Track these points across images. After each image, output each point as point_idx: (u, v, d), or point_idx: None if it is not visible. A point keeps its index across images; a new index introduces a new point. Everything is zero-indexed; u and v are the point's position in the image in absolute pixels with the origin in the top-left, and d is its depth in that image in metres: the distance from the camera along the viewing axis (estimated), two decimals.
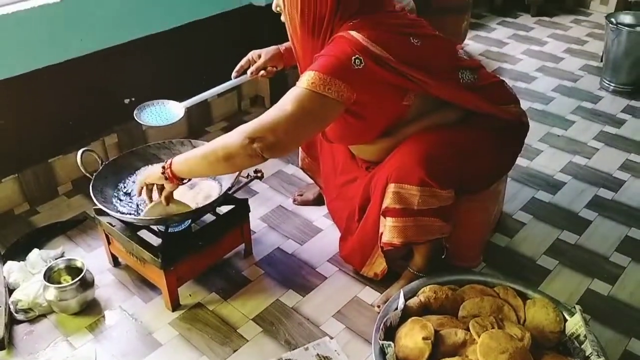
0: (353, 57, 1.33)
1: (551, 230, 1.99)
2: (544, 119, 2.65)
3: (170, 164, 1.45)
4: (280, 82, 2.54)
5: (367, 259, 1.73)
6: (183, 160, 1.44)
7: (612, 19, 2.86)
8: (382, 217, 1.52)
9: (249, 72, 1.77)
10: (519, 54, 3.34)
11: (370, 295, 1.72)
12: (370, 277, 1.75)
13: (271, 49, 1.79)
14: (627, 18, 2.92)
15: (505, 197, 2.04)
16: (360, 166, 1.73)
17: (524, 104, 1.90)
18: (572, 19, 3.83)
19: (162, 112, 1.75)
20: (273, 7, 1.53)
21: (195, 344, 1.56)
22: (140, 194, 1.57)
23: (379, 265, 1.71)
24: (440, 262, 1.68)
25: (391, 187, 1.45)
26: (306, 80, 1.33)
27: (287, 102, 1.35)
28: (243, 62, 1.79)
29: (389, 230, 1.49)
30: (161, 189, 1.52)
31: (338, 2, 1.36)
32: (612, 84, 2.92)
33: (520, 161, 2.28)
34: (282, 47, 1.80)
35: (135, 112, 1.72)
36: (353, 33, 1.36)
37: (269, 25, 2.58)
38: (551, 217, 2.05)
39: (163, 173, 1.46)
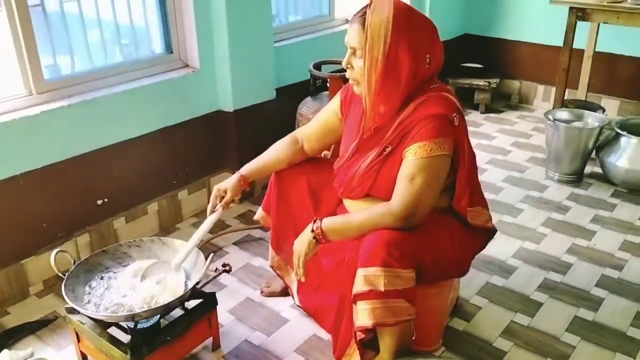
0: (453, 115, 1.59)
1: (505, 313, 2.11)
2: (496, 208, 2.84)
3: (322, 229, 1.63)
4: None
5: (346, 347, 1.80)
6: (337, 228, 1.64)
7: (550, 116, 3.15)
8: (354, 305, 1.61)
9: (220, 208, 1.89)
10: None
11: None
12: None
13: (233, 182, 1.90)
14: (564, 114, 3.23)
15: (461, 283, 2.17)
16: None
17: None
18: (518, 115, 4.17)
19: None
20: (343, 64, 1.66)
21: None
22: (303, 269, 1.70)
23: (355, 357, 1.79)
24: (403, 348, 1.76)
25: (360, 272, 1.56)
26: (422, 150, 1.56)
27: (414, 175, 1.57)
28: (212, 199, 1.89)
29: (361, 314, 1.57)
30: None
31: (415, 72, 1.57)
32: (556, 174, 3.16)
33: None
34: (243, 172, 1.93)
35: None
36: (447, 95, 1.62)
37: (236, 129, 2.78)
38: (505, 300, 2.18)
39: (315, 237, 1.64)
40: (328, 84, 2.68)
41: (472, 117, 4.13)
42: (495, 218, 2.74)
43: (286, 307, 2.13)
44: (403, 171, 1.59)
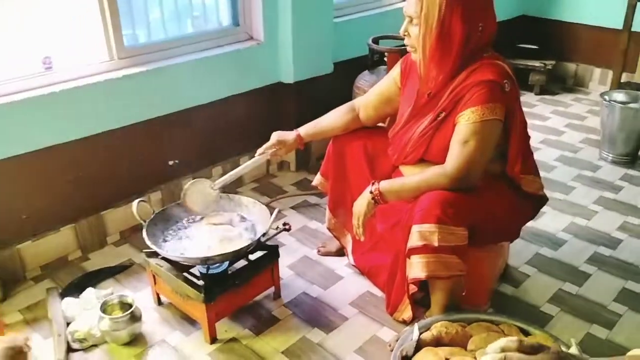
0: (504, 82, 1.66)
1: (554, 282, 2.17)
2: (547, 185, 2.81)
3: (380, 190, 1.75)
4: (304, 150, 2.87)
5: (399, 304, 1.93)
6: (394, 189, 1.76)
7: (606, 97, 3.15)
8: (407, 259, 1.73)
9: (270, 155, 2.04)
10: None
11: (387, 335, 1.90)
12: (400, 322, 1.93)
13: (290, 138, 2.06)
14: (620, 96, 3.21)
15: (511, 252, 2.25)
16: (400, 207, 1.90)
17: None
18: (573, 97, 4.15)
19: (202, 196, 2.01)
20: (401, 31, 1.76)
21: None
22: (363, 228, 1.83)
23: (407, 312, 1.91)
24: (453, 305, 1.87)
25: (414, 228, 1.67)
26: (474, 115, 1.65)
27: (467, 139, 1.65)
28: (268, 144, 2.05)
29: (414, 267, 1.69)
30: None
31: (467, 40, 1.65)
32: (610, 155, 3.17)
33: None
34: (301, 131, 2.08)
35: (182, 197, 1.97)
36: (499, 62, 1.70)
37: (294, 101, 2.91)
38: (554, 270, 2.24)
39: (373, 198, 1.76)
40: (385, 58, 2.77)
41: (526, 98, 4.13)
42: (547, 194, 2.78)
43: (341, 265, 2.26)
44: (456, 135, 1.68)
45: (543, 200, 1.97)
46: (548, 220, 2.58)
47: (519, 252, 2.34)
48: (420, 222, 1.65)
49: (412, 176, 1.77)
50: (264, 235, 1.91)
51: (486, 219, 1.73)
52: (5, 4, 2.08)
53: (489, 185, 1.77)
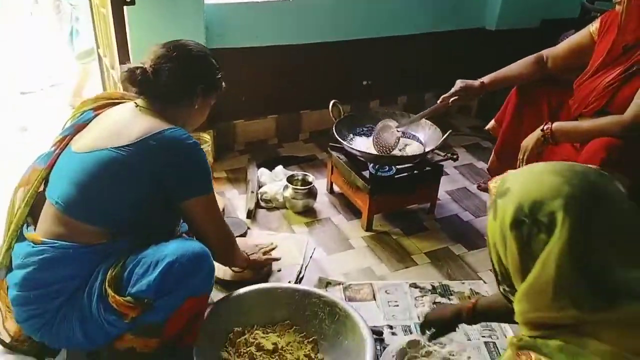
0: None
1: None
2: None
3: (551, 129, 1.82)
4: (488, 98, 2.97)
5: None
6: (565, 130, 1.82)
7: None
8: None
9: (451, 102, 2.15)
10: None
11: None
12: None
13: (475, 84, 2.14)
14: None
15: None
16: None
17: None
18: None
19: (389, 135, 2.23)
20: None
21: (378, 255, 2.05)
22: (526, 162, 1.89)
23: None
24: None
25: None
26: None
27: None
28: (452, 90, 2.14)
29: None
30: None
31: None
32: None
33: None
34: (484, 79, 2.15)
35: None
36: None
37: (493, 48, 3.00)
38: None
39: (543, 135, 1.84)
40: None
41: None
42: None
43: None
44: None
45: None
46: None
47: None
48: (584, 163, 1.73)
49: (586, 121, 1.83)
50: (432, 151, 2.14)
51: None
52: None
53: None
